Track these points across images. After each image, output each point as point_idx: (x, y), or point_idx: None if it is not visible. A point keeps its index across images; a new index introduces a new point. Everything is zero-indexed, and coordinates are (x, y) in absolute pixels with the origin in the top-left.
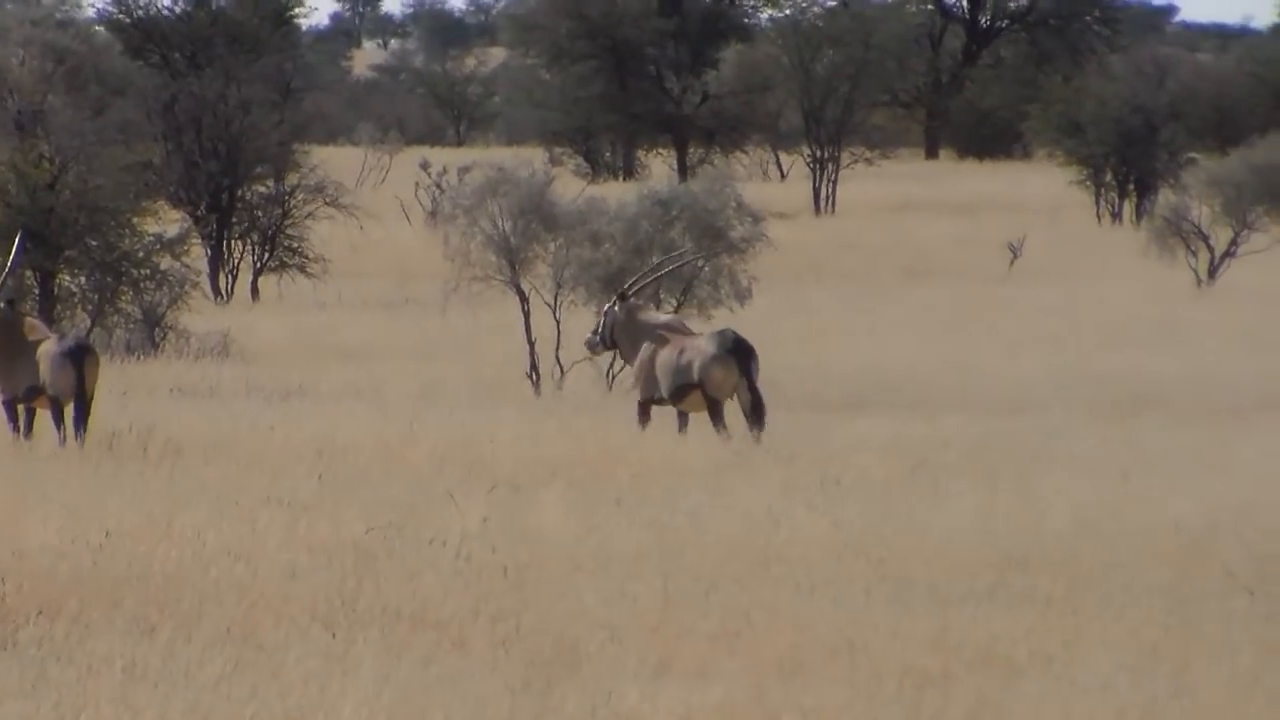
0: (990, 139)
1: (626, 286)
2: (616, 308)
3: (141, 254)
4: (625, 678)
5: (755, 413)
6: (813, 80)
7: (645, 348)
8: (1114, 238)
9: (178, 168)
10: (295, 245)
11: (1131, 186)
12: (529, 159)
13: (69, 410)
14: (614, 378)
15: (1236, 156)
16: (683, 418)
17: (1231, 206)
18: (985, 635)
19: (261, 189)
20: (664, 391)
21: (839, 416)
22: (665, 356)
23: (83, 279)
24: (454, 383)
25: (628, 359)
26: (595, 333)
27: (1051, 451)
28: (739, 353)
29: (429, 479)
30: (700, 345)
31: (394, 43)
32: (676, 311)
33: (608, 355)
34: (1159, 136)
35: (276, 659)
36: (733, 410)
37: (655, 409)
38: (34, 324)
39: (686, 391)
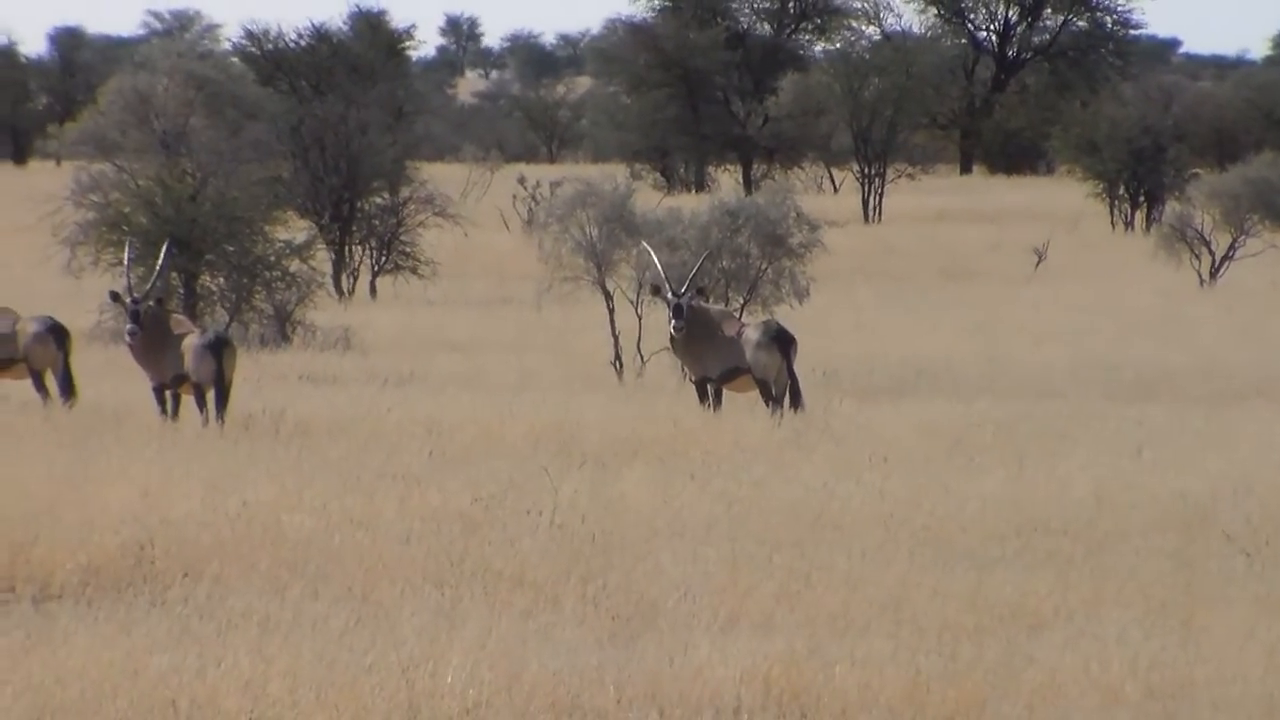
0: (1017, 157)
1: (685, 288)
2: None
3: (273, 258)
4: (698, 631)
5: (794, 394)
6: (860, 105)
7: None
8: (1127, 243)
9: (304, 182)
10: (408, 250)
11: (1142, 198)
12: (612, 174)
13: (210, 396)
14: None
15: (1234, 172)
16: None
17: (1230, 215)
18: (1015, 593)
19: (378, 201)
20: (715, 373)
21: (885, 401)
22: (721, 341)
23: (221, 280)
24: (547, 372)
25: (690, 348)
26: (677, 317)
27: (1072, 431)
28: (781, 340)
29: (526, 456)
30: (748, 334)
31: (494, 73)
32: (743, 309)
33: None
34: (1166, 155)
35: (393, 614)
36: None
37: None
38: (180, 320)
39: (735, 374)
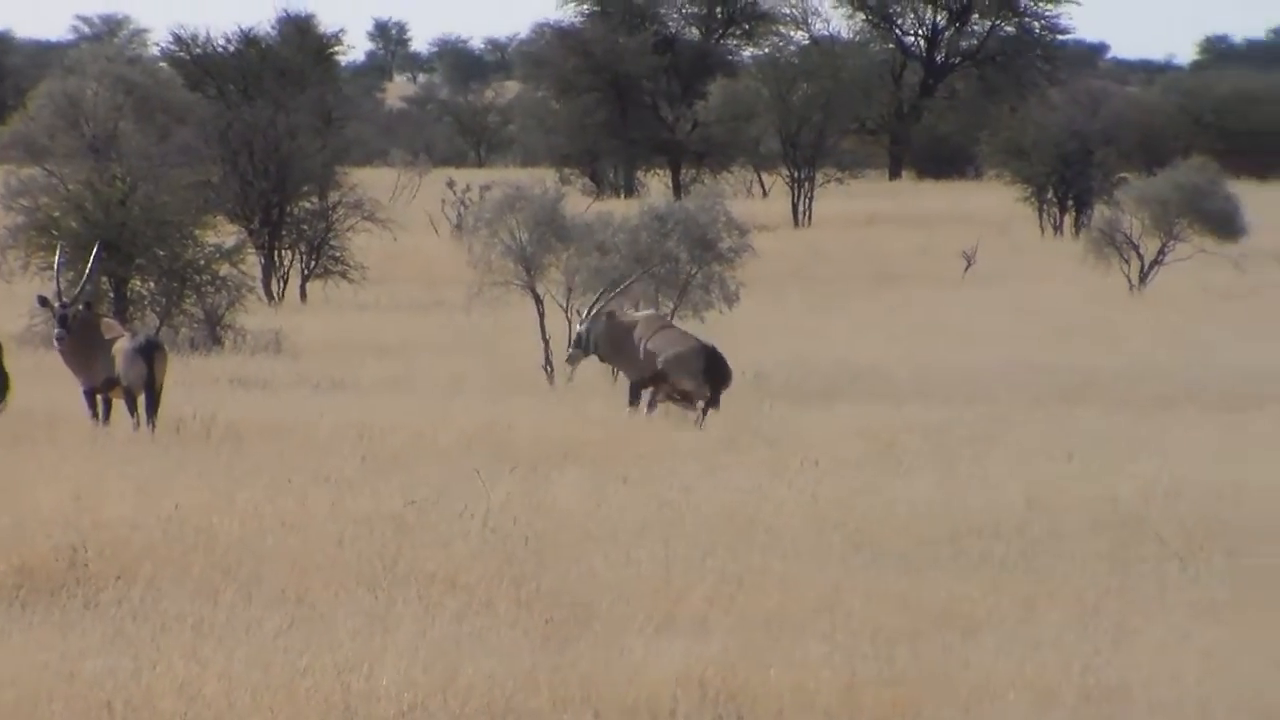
0: (946, 161)
1: (599, 307)
2: (598, 322)
3: (203, 262)
4: (633, 633)
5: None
6: (789, 110)
7: (631, 338)
8: (1056, 248)
9: (233, 186)
10: (338, 254)
11: (1071, 203)
12: (542, 179)
13: (141, 399)
14: (618, 372)
15: (1162, 176)
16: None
17: (1159, 220)
18: (948, 596)
19: (307, 205)
20: (640, 375)
21: (816, 404)
22: (650, 345)
23: (151, 284)
24: (478, 375)
25: (612, 361)
26: (575, 346)
27: (1004, 435)
28: (149, 353)
29: (458, 459)
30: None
31: (421, 77)
32: (673, 313)
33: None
34: (1094, 159)
35: (327, 617)
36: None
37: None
38: (110, 324)
39: (114, 383)
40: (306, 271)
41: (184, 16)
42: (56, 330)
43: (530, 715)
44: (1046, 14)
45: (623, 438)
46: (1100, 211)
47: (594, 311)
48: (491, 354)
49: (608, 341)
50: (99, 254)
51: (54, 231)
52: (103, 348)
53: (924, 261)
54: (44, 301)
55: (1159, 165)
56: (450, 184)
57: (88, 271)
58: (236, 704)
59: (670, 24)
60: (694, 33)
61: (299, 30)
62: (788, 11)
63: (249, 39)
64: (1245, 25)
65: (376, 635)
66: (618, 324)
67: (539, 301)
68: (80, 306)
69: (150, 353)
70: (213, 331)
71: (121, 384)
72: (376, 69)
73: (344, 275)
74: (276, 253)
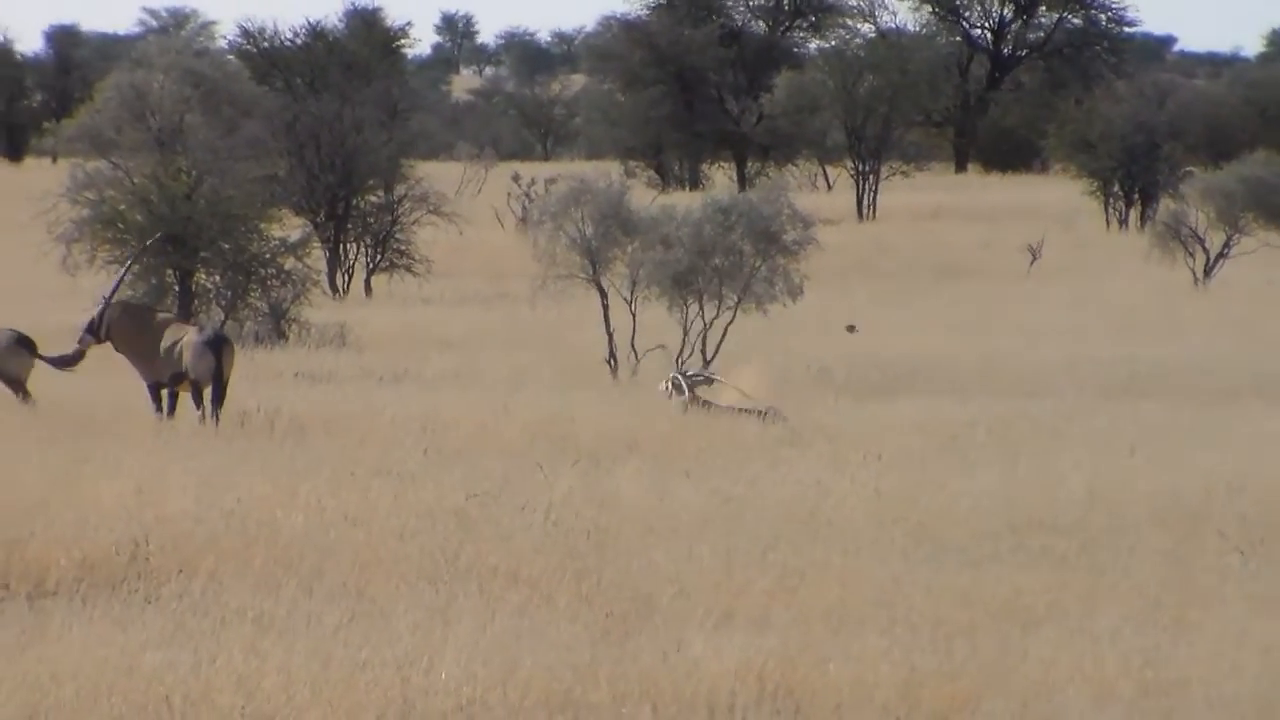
0: (1012, 154)
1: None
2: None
3: (268, 256)
4: (693, 627)
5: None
6: (855, 102)
7: (151, 338)
8: (1121, 241)
9: (299, 180)
10: (403, 248)
11: (1136, 196)
12: (607, 172)
13: (208, 393)
14: (683, 364)
15: (1228, 170)
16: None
17: (1224, 214)
18: (1008, 590)
19: (373, 198)
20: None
21: (879, 398)
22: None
23: (217, 277)
24: (542, 369)
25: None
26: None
27: (1066, 429)
28: (217, 346)
29: (521, 452)
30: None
31: (488, 70)
32: (737, 305)
33: (678, 343)
34: (1160, 152)
35: (387, 611)
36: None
37: None
38: (166, 318)
39: (181, 378)
40: (371, 265)
41: (251, 9)
42: (80, 334)
43: (589, 709)
44: (1113, 6)
45: (685, 432)
46: (1165, 205)
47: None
48: (555, 347)
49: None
50: (142, 252)
51: (120, 225)
52: (157, 343)
53: (989, 255)
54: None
55: (1225, 158)
56: (516, 177)
57: (123, 271)
58: (295, 698)
59: (736, 16)
60: (760, 25)
61: (366, 23)
62: (854, 4)
63: (316, 32)
64: None
65: (437, 629)
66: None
67: (603, 295)
68: (114, 305)
69: (219, 346)
70: (277, 325)
71: (190, 377)
72: (443, 62)
73: (409, 269)
74: (342, 246)
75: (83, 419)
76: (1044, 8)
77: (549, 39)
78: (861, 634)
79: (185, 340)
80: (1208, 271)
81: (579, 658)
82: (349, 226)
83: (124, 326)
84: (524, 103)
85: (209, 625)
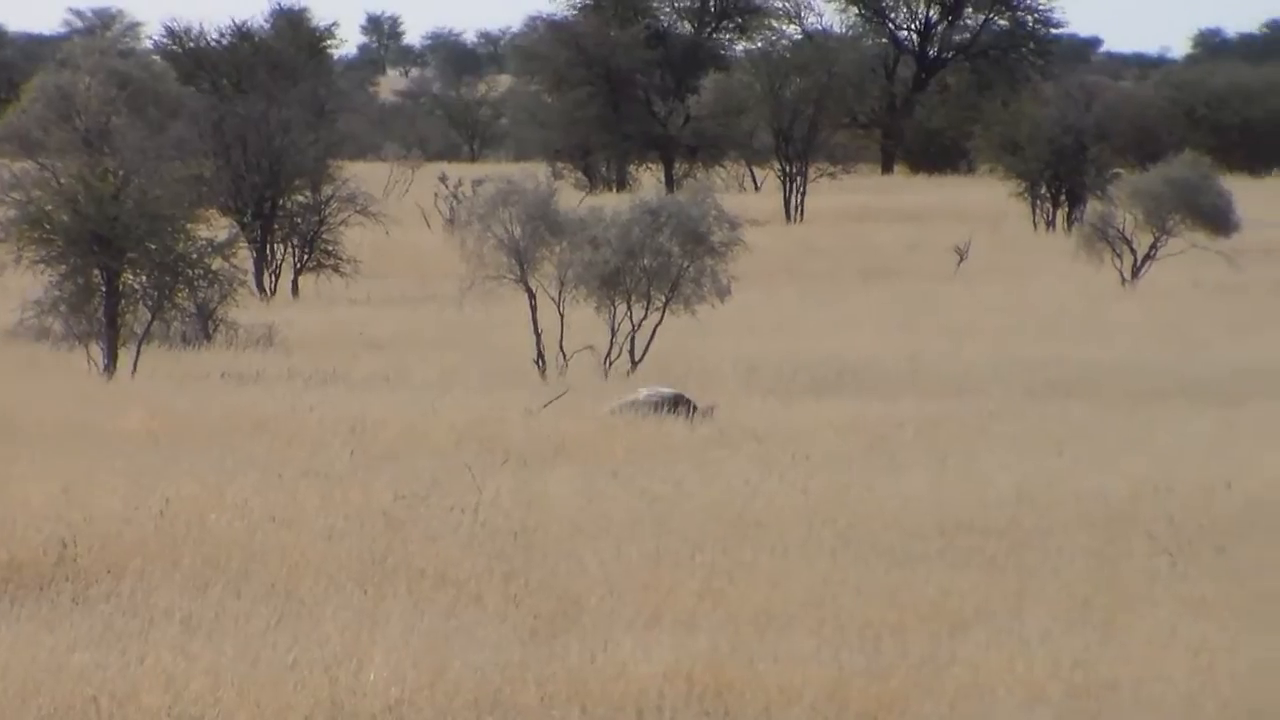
0: (939, 156)
1: None
2: None
3: (195, 256)
4: (621, 628)
5: None
6: (781, 104)
7: None
8: (1048, 243)
9: (226, 180)
10: (330, 248)
11: (1064, 197)
12: (534, 172)
13: None
14: (610, 364)
15: (1156, 171)
16: None
17: (1151, 215)
18: (937, 591)
19: (300, 199)
20: None
21: (806, 399)
22: None
23: (144, 277)
24: (470, 369)
25: None
26: None
27: (994, 429)
28: None
29: (449, 454)
30: None
31: (414, 71)
32: (665, 307)
33: (606, 343)
34: (1087, 154)
35: (315, 612)
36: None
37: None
38: None
39: None
40: (299, 265)
41: (177, 10)
42: None
43: (518, 710)
44: (1039, 8)
45: (613, 433)
46: (1093, 206)
47: None
48: (484, 348)
49: None
50: None
51: (46, 225)
52: None
53: (916, 256)
54: None
55: (1152, 160)
56: (443, 178)
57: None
58: (223, 699)
59: (662, 18)
60: (686, 26)
61: (292, 24)
62: (780, 5)
63: (242, 32)
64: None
65: (365, 630)
66: None
67: (532, 296)
68: None
69: None
70: (204, 325)
71: None
72: (369, 62)
73: (336, 269)
74: (269, 246)
75: (8, 420)
76: (970, 9)
77: (475, 40)
78: (790, 635)
79: None
80: (1135, 273)
81: (507, 658)
82: (276, 227)
83: None
84: (451, 104)
85: (137, 626)
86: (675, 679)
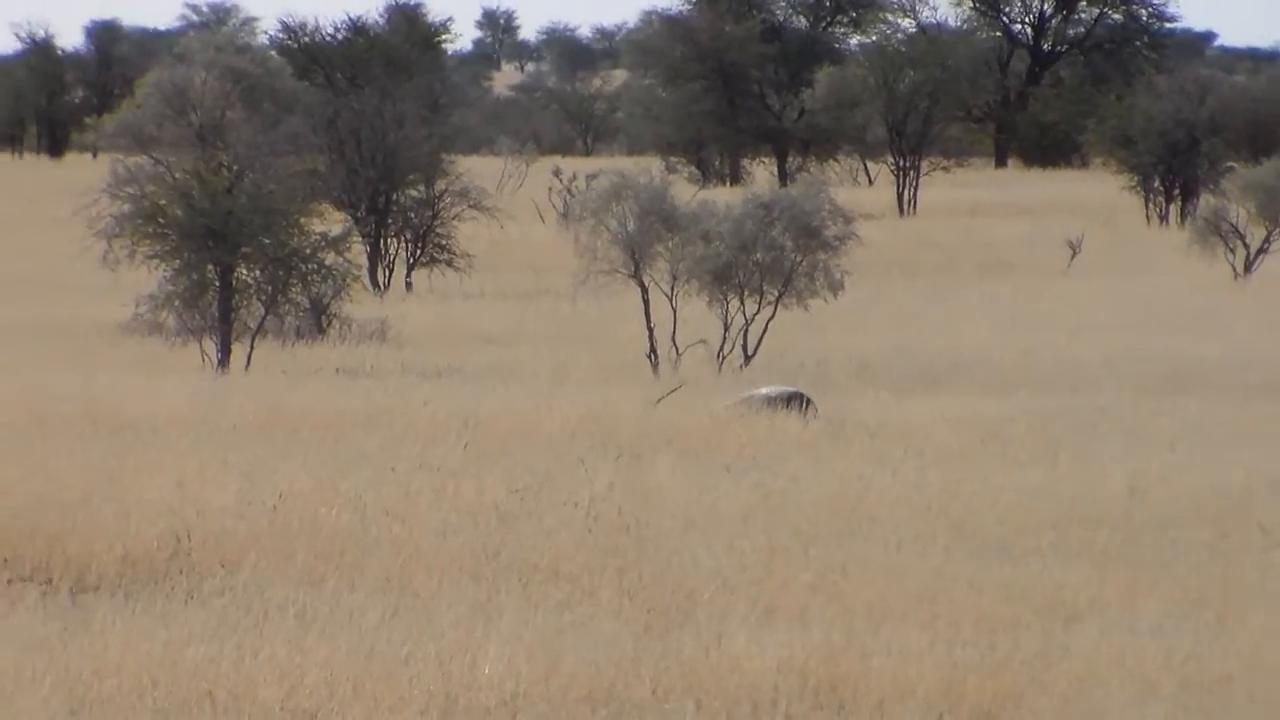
0: (1052, 150)
1: None
2: None
3: (309, 250)
4: (734, 623)
5: None
6: (895, 98)
7: None
8: (1161, 237)
9: (340, 175)
10: (444, 243)
11: (1177, 191)
12: (648, 167)
13: None
14: (723, 359)
15: (1269, 165)
16: None
17: (1265, 209)
18: (1050, 585)
19: (414, 193)
20: None
21: (920, 394)
22: None
23: (258, 272)
24: (583, 364)
25: None
26: None
27: (1106, 424)
28: None
29: (562, 447)
30: None
31: (529, 65)
32: (778, 301)
33: (719, 338)
34: (1201, 148)
35: (429, 606)
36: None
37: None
38: None
39: None
40: (412, 260)
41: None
42: None
43: (632, 704)
44: (1153, 2)
45: (726, 426)
46: (1206, 200)
47: None
48: (597, 342)
49: None
50: None
51: (160, 220)
52: None
53: (1029, 250)
54: None
55: (1265, 154)
56: (557, 172)
57: None
58: (338, 693)
59: (777, 12)
60: (801, 21)
61: (407, 19)
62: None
63: (357, 27)
64: None
65: (479, 624)
66: None
67: (644, 290)
68: None
69: None
70: (318, 320)
71: None
72: (484, 57)
73: (450, 264)
74: (383, 241)
75: (123, 415)
76: (1084, 3)
77: (590, 34)
78: (903, 629)
79: None
80: (1248, 267)
81: (621, 653)
82: (389, 221)
83: None
84: (565, 98)
85: (251, 620)
86: (789, 673)
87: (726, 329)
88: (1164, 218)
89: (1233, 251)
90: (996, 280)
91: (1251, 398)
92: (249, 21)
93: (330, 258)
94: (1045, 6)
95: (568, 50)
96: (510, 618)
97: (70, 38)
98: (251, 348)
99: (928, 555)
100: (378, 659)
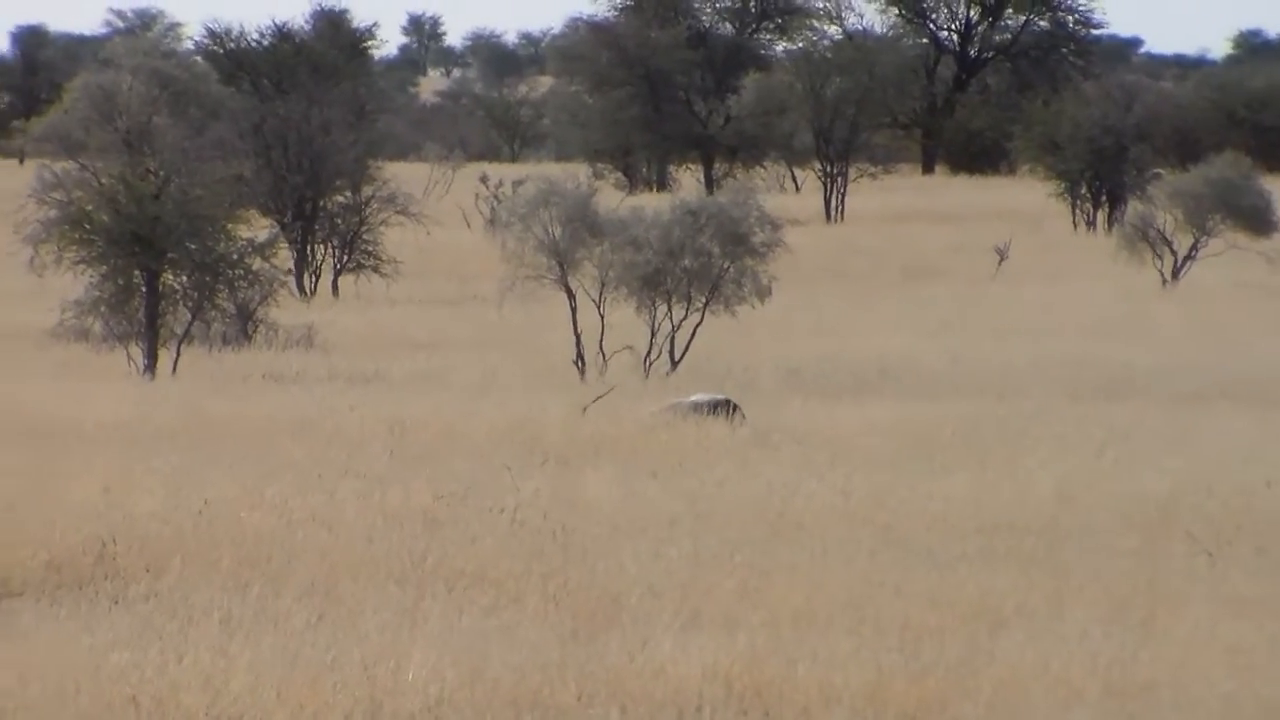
0: (979, 156)
1: None
2: None
3: (235, 256)
4: (660, 629)
5: None
6: (822, 104)
7: None
8: (1089, 243)
9: (267, 180)
10: (370, 249)
11: (1104, 198)
12: (574, 173)
13: None
14: (650, 365)
15: (1196, 172)
16: None
17: (1191, 216)
18: (976, 591)
19: (340, 199)
20: None
21: (847, 400)
22: None
23: (184, 278)
24: (509, 370)
25: None
26: None
27: (1035, 430)
28: None
29: (488, 454)
30: None
31: (456, 72)
32: (705, 308)
33: (646, 344)
34: (1128, 154)
35: (355, 612)
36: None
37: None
38: None
39: None
40: (339, 266)
41: (218, 10)
42: None
43: (557, 710)
44: (1080, 8)
45: (652, 433)
46: (1133, 207)
47: None
48: (523, 349)
49: None
50: None
51: (87, 225)
52: None
53: (957, 257)
54: None
55: (1192, 161)
56: (483, 178)
57: None
58: (263, 698)
59: (704, 18)
60: (727, 27)
61: (333, 24)
62: (821, 6)
63: (283, 33)
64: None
65: (404, 629)
66: None
67: (571, 296)
68: None
69: None
70: (244, 326)
71: None
72: (410, 63)
73: (376, 270)
74: (309, 247)
75: (49, 420)
76: (1011, 10)
77: (516, 41)
78: (829, 635)
79: None
80: (1175, 273)
81: (547, 658)
82: (316, 227)
83: None
84: (491, 104)
85: (176, 625)
86: (714, 679)
87: (654, 335)
88: (1091, 224)
89: (1160, 258)
90: (924, 287)
91: (1179, 404)
92: (174, 27)
93: (257, 263)
94: (972, 13)
95: (494, 57)
96: (436, 623)
97: None
98: (178, 353)
99: (854, 561)
100: (302, 664)
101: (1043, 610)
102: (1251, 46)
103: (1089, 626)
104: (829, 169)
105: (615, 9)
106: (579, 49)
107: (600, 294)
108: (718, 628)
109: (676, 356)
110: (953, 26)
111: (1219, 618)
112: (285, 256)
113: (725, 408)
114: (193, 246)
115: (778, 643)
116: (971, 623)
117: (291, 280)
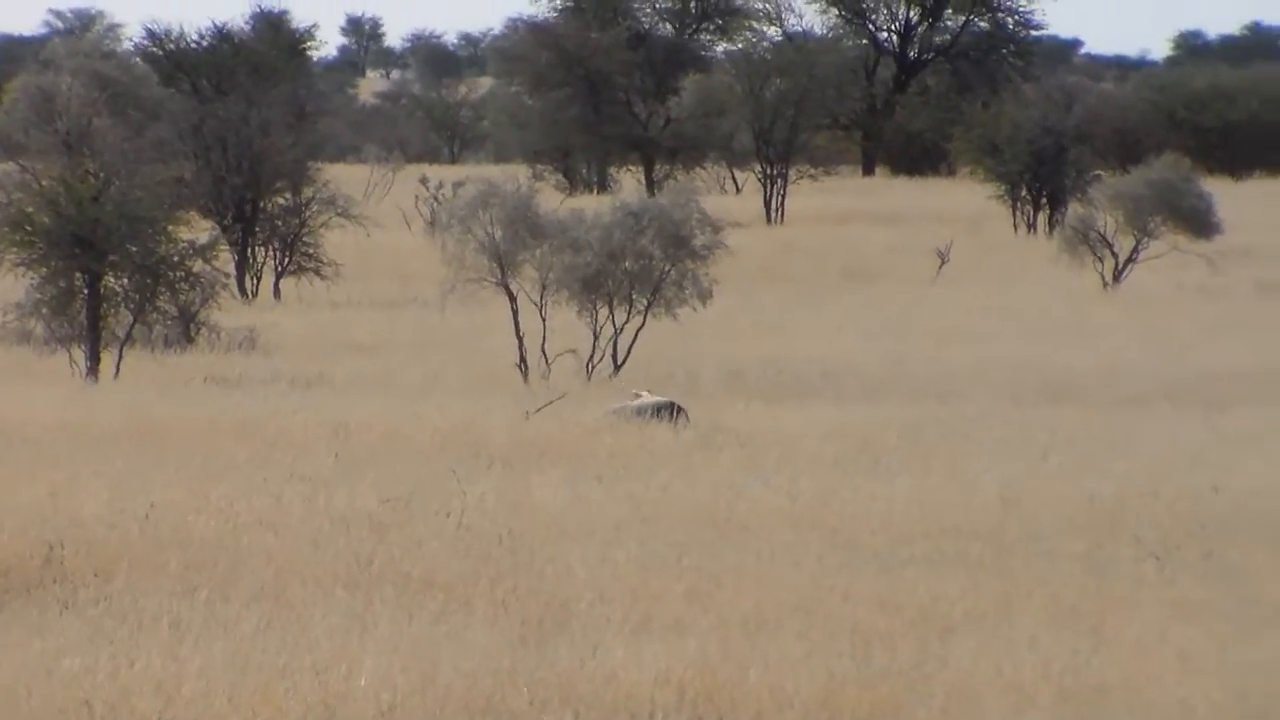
0: (919, 158)
1: None
2: None
3: (176, 258)
4: (610, 634)
5: None
6: (762, 106)
7: None
8: (1029, 245)
9: (206, 182)
10: (311, 251)
11: (1044, 200)
12: (515, 175)
13: None
14: (593, 368)
15: (1136, 174)
16: None
17: (1132, 218)
18: (925, 596)
19: (281, 201)
20: None
21: (791, 403)
22: None
23: (126, 280)
24: (452, 373)
25: None
26: None
27: (977, 434)
28: None
29: (433, 457)
30: None
31: (395, 73)
32: (646, 310)
33: (588, 347)
34: (1068, 156)
35: (304, 616)
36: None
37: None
38: None
39: None
40: (280, 268)
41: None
42: None
43: (509, 716)
44: (1019, 10)
45: (597, 436)
46: (1074, 209)
47: None
48: (466, 352)
49: None
50: None
51: (27, 227)
52: None
53: (897, 259)
54: None
55: (1133, 162)
56: (424, 180)
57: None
58: (215, 703)
59: (643, 19)
60: (667, 28)
61: (272, 26)
62: (761, 7)
63: (222, 34)
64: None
65: (354, 634)
66: None
67: (513, 299)
68: None
69: None
70: (186, 329)
71: None
72: (349, 65)
73: (317, 272)
74: (250, 249)
75: None
76: (950, 11)
77: (456, 42)
78: (779, 640)
79: None
80: (1117, 276)
81: (498, 664)
82: (257, 229)
83: None
84: (431, 105)
85: (126, 630)
86: (666, 684)
87: (596, 338)
88: (1032, 226)
89: (1101, 261)
90: (865, 289)
91: (1122, 408)
92: (114, 28)
93: (198, 266)
94: (911, 14)
95: (433, 57)
96: (385, 628)
97: None
98: (120, 356)
99: (801, 565)
100: (253, 670)
101: (992, 615)
102: (1192, 48)
103: (1039, 631)
104: (769, 170)
105: (555, 10)
106: (518, 50)
107: (541, 297)
108: (668, 632)
109: (619, 360)
110: (892, 28)
111: (1169, 622)
112: (226, 259)
113: (670, 410)
114: (133, 249)
115: (728, 647)
116: (921, 627)
117: (233, 282)
